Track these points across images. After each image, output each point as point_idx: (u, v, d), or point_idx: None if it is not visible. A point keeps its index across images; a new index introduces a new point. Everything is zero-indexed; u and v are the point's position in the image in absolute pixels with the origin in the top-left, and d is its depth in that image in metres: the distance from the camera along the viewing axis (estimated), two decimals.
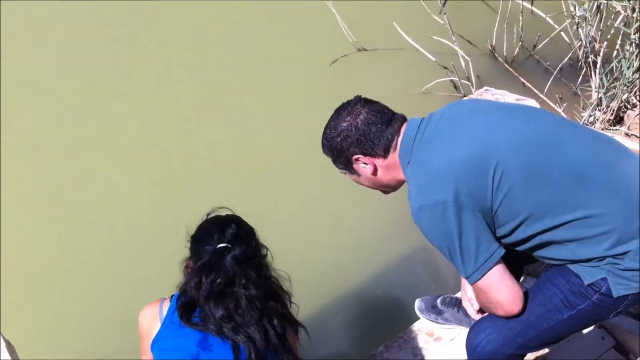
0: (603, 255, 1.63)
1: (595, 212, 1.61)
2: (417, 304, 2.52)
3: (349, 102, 1.88)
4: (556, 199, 1.63)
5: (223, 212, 1.90)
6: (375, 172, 1.87)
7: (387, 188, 1.96)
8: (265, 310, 1.73)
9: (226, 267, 1.72)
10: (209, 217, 1.89)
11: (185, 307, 1.73)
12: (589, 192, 1.63)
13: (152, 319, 1.80)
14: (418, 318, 2.51)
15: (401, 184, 1.92)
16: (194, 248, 1.84)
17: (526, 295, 1.76)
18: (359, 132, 1.82)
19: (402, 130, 1.84)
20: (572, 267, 1.70)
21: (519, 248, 1.76)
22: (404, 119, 1.87)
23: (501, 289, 1.69)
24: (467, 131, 1.72)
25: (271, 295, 1.77)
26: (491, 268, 1.67)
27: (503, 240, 1.74)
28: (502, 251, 1.68)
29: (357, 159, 1.86)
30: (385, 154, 1.83)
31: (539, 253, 1.75)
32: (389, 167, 1.86)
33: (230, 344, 1.68)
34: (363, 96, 1.90)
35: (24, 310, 2.98)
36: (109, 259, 3.18)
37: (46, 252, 3.23)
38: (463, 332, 2.40)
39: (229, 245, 1.77)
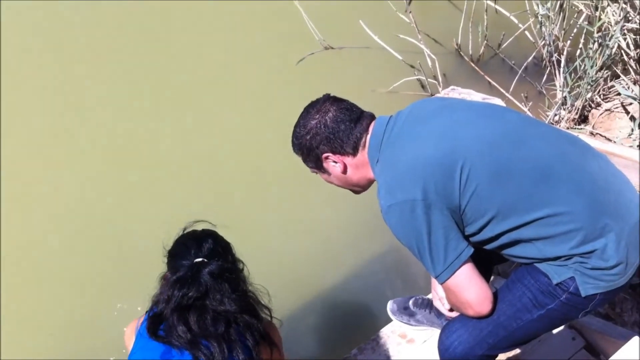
0: (570, 254, 1.65)
1: (561, 210, 1.63)
2: (390, 305, 2.52)
3: (317, 100, 1.88)
4: (522, 196, 1.64)
5: (199, 226, 1.90)
6: (345, 171, 1.87)
7: (358, 187, 1.95)
8: (237, 325, 1.73)
9: (201, 282, 1.72)
10: (186, 231, 1.89)
11: (154, 319, 1.73)
12: (555, 190, 1.64)
13: (131, 334, 1.81)
14: (391, 320, 2.51)
15: (371, 183, 1.92)
16: (171, 262, 1.83)
17: (496, 295, 1.77)
18: (328, 129, 1.82)
19: (371, 128, 1.84)
20: (540, 266, 1.71)
21: (488, 247, 1.76)
22: (372, 117, 1.87)
23: (470, 289, 1.70)
24: (434, 129, 1.73)
25: (246, 310, 1.77)
26: (460, 267, 1.67)
27: (472, 239, 1.75)
28: (471, 250, 1.69)
29: (326, 157, 1.85)
30: (354, 152, 1.83)
31: (507, 252, 1.76)
32: (358, 165, 1.85)
33: (191, 356, 1.68)
34: (332, 94, 1.90)
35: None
36: (79, 260, 3.14)
37: (15, 254, 3.17)
38: (435, 333, 2.41)
39: (206, 260, 1.77)
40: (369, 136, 1.82)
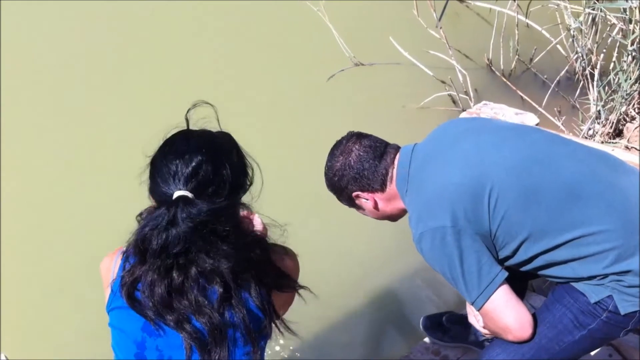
0: (604, 273, 1.62)
1: (593, 230, 1.61)
2: (423, 321, 2.50)
3: (341, 140, 1.93)
4: (553, 218, 1.63)
5: (203, 117, 1.57)
6: (376, 206, 1.91)
7: (393, 218, 1.99)
8: (236, 283, 1.35)
9: (178, 232, 1.31)
10: (179, 130, 1.50)
11: (128, 276, 1.37)
12: (586, 210, 1.62)
13: (107, 271, 1.49)
14: (424, 337, 2.49)
15: (405, 212, 1.92)
16: (150, 183, 1.45)
17: (534, 317, 1.74)
18: (353, 170, 1.86)
19: (396, 160, 1.86)
20: (577, 285, 1.69)
21: (523, 269, 1.74)
22: (397, 149, 1.90)
23: (508, 314, 1.68)
24: (459, 155, 1.73)
25: (248, 262, 1.38)
26: (495, 291, 1.65)
27: (506, 263, 1.73)
28: (505, 274, 1.67)
29: (357, 196, 1.90)
30: (382, 187, 1.86)
31: (543, 272, 1.74)
32: (389, 199, 1.88)
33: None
34: (356, 131, 1.94)
35: (24, 329, 2.93)
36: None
37: (37, 260, 3.18)
38: (469, 351, 2.38)
39: (188, 196, 1.35)
40: (395, 169, 1.85)
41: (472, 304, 1.69)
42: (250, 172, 1.54)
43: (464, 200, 1.64)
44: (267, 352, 1.45)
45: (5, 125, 3.80)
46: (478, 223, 1.64)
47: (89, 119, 3.91)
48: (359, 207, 1.96)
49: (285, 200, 3.43)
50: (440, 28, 3.91)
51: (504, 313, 1.67)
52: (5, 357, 2.02)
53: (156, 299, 1.32)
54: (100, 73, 4.20)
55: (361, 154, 1.86)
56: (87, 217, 3.36)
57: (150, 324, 1.35)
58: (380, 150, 1.87)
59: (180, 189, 1.35)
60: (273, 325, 1.43)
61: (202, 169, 1.38)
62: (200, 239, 1.32)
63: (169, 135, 1.49)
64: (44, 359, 2.69)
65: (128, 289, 1.35)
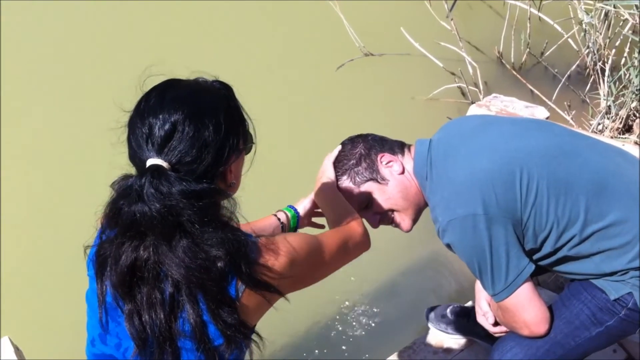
0: (626, 268, 1.62)
1: (619, 218, 1.61)
2: (427, 313, 2.50)
3: (347, 141, 1.93)
4: (582, 209, 1.62)
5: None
6: (403, 171, 1.83)
7: (415, 202, 1.85)
8: (191, 292, 1.17)
9: (144, 212, 1.13)
10: (163, 81, 1.29)
11: (101, 249, 1.22)
12: (611, 200, 1.62)
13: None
14: (428, 328, 2.49)
15: (421, 207, 1.89)
16: (128, 147, 1.24)
17: (551, 313, 1.72)
18: (375, 140, 1.87)
19: (412, 150, 1.86)
20: (596, 282, 1.68)
21: (544, 263, 1.73)
22: (409, 145, 1.90)
23: (529, 310, 1.66)
24: (485, 143, 1.71)
25: (209, 274, 1.17)
26: (520, 286, 1.63)
27: (533, 256, 1.71)
28: (532, 267, 1.65)
29: (382, 157, 1.83)
30: (403, 156, 1.85)
31: (563, 268, 1.73)
32: (410, 180, 1.84)
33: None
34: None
35: (26, 312, 2.94)
36: None
37: (45, 251, 3.18)
38: (473, 343, 2.39)
39: (162, 165, 1.15)
40: (412, 160, 1.83)
41: (494, 296, 1.67)
42: (241, 136, 1.31)
43: (496, 186, 1.60)
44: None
45: (4, 117, 3.81)
46: (510, 210, 1.61)
47: (91, 107, 3.89)
48: (381, 180, 1.82)
49: (293, 190, 3.43)
50: (452, 19, 3.89)
51: (525, 309, 1.65)
52: (10, 340, 2.02)
53: (118, 279, 1.16)
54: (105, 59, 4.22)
55: (375, 136, 1.89)
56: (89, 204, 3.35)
57: (112, 303, 1.21)
58: (392, 142, 1.89)
59: (152, 157, 1.17)
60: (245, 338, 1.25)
61: (179, 130, 1.17)
62: (162, 228, 1.14)
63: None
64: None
65: (100, 264, 1.21)
